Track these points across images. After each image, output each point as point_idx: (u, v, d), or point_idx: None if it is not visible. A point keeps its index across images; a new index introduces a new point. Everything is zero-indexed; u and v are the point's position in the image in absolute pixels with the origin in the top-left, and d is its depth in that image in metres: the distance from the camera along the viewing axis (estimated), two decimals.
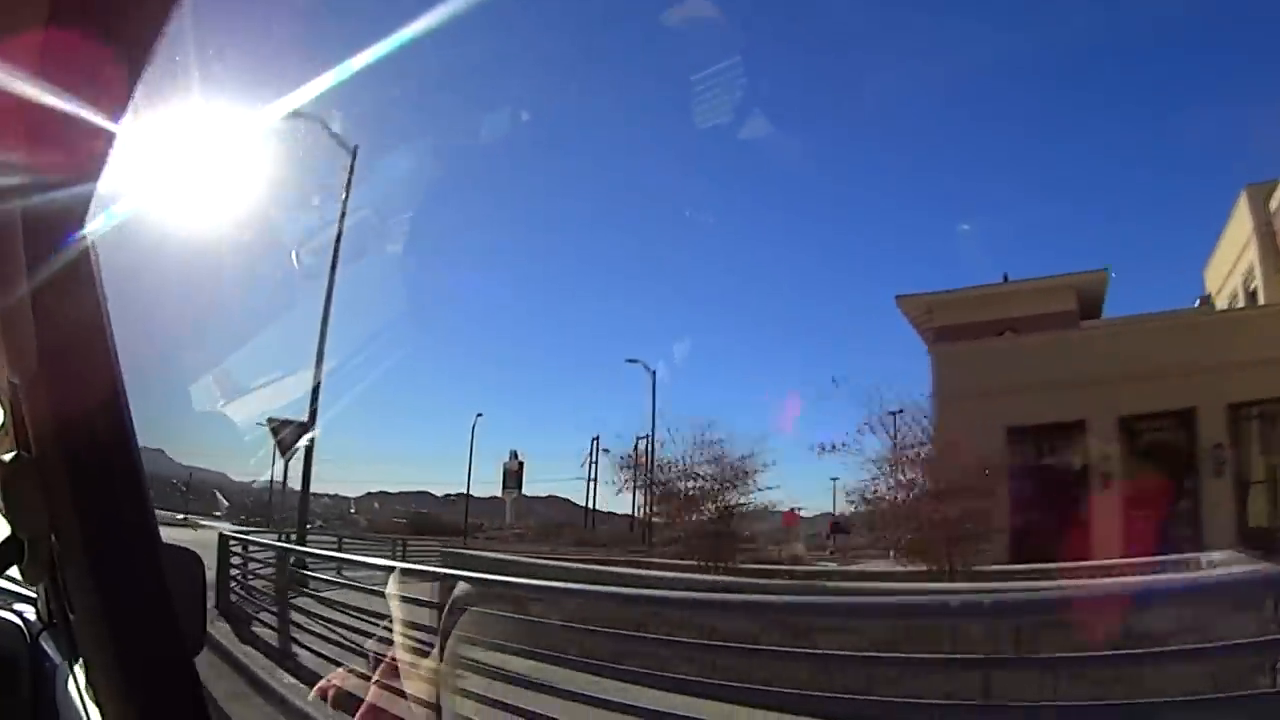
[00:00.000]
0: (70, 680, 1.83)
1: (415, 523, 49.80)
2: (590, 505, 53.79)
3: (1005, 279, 37.35)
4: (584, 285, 66.50)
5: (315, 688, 6.81)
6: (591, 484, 53.69)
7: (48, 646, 2.04)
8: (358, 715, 6.55)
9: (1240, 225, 26.78)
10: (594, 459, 54.18)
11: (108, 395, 1.44)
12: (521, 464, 50.59)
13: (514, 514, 52.14)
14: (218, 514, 37.08)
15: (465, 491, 56.75)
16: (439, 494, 62.17)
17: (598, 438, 54.32)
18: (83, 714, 1.70)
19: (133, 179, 1.93)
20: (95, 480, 1.43)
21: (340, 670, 7.26)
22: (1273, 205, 24.41)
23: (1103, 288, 35.89)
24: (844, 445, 20.90)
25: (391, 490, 53.64)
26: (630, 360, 39.74)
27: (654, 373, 37.65)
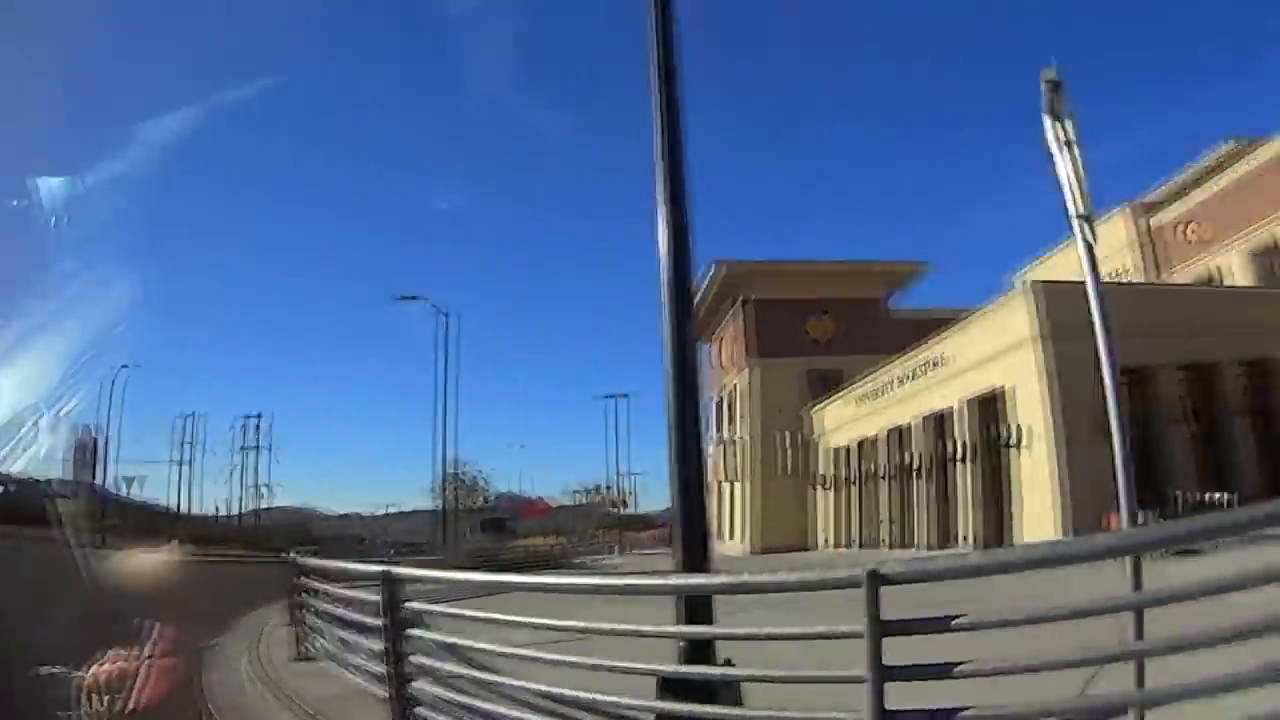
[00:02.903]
0: None
1: None
2: (184, 500, 48.84)
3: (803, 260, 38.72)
4: None
5: (90, 674, 6.62)
6: (185, 468, 49.01)
7: None
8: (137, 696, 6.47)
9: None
10: (189, 440, 47.49)
11: None
12: (96, 441, 41.38)
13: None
14: None
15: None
16: None
17: (193, 415, 47.43)
18: None
19: None
20: None
21: (111, 654, 6.97)
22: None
23: (911, 279, 38.88)
24: None
25: None
26: (406, 297, 34.67)
27: (446, 315, 33.32)
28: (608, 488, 59.25)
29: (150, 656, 7.29)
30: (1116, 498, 4.94)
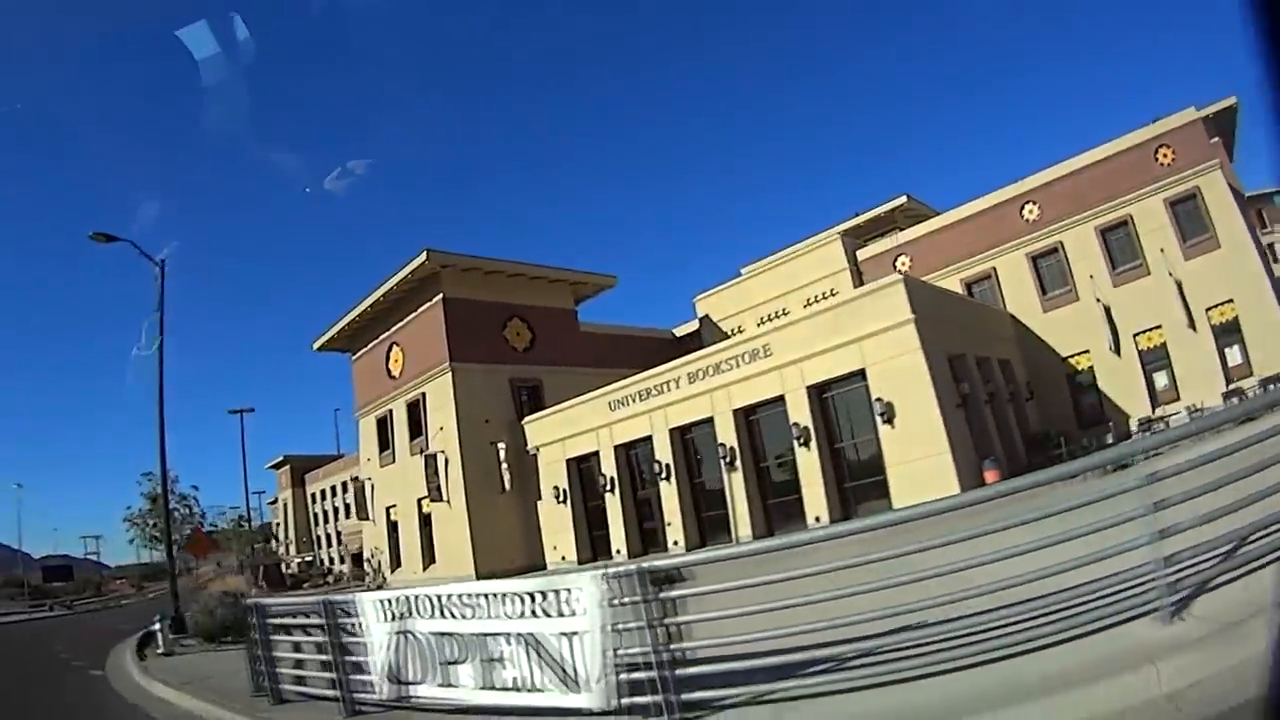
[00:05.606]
0: None
1: None
2: None
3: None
4: None
5: None
6: None
7: None
8: None
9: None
10: None
11: None
12: None
13: None
14: None
15: None
16: None
17: None
18: None
19: None
20: None
21: None
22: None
23: (599, 291, 37.64)
24: None
25: None
26: (102, 237, 22.79)
27: (162, 263, 23.05)
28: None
29: None
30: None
